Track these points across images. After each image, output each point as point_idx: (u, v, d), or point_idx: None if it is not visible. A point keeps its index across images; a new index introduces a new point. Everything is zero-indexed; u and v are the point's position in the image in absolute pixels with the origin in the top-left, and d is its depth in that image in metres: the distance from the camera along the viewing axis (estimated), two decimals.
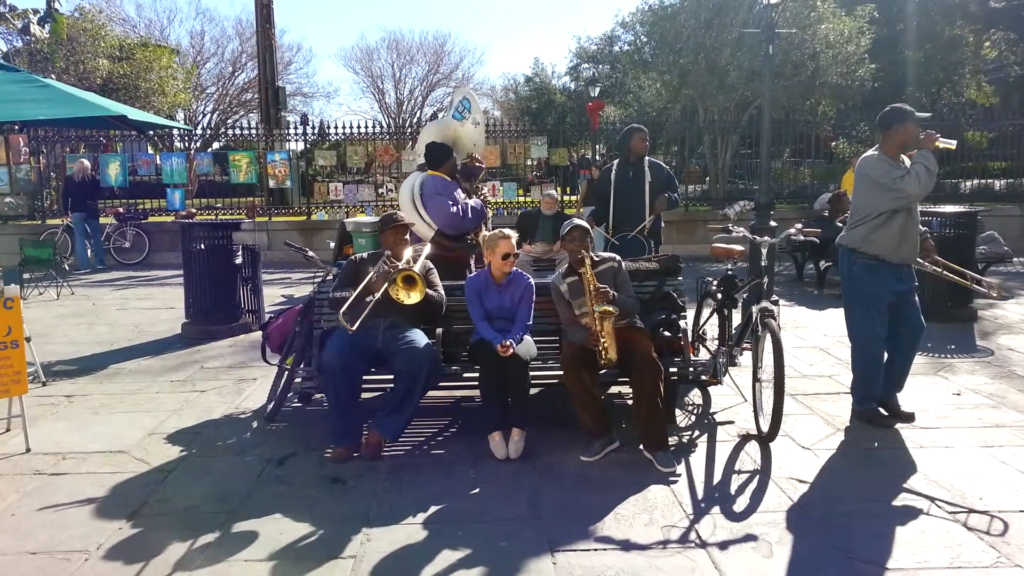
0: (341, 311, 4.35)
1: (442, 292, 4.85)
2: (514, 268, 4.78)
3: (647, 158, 6.60)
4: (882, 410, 4.88)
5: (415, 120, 38.36)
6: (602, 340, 4.27)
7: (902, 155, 4.68)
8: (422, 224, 5.79)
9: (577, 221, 4.70)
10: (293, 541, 3.41)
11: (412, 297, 4.45)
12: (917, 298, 4.88)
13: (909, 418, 4.83)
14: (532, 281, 4.83)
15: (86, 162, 13.53)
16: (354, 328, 4.29)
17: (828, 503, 3.74)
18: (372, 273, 4.62)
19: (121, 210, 14.49)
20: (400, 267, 4.54)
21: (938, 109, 18.19)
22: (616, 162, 6.77)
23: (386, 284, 4.46)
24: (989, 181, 16.72)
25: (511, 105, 44.57)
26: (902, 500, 3.75)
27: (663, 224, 6.84)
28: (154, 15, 38.39)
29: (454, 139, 6.42)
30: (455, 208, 5.77)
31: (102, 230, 13.54)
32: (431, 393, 4.78)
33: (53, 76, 17.63)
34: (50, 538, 3.47)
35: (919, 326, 4.87)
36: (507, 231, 4.78)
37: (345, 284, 4.72)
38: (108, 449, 4.55)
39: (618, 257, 4.79)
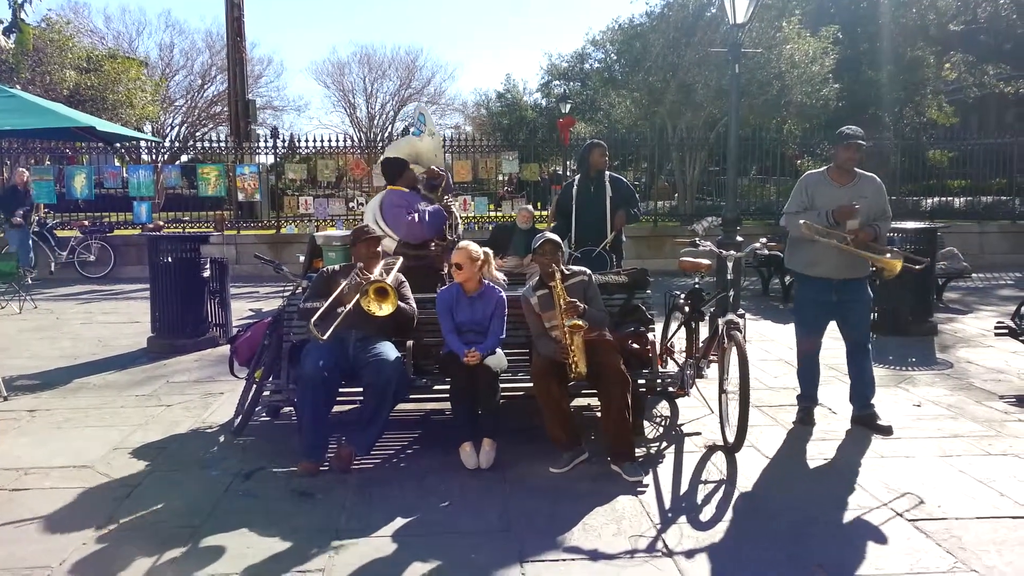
0: (312, 320, 4.34)
1: (414, 305, 4.87)
2: (486, 281, 4.81)
3: (608, 173, 6.70)
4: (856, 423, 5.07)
5: (386, 134, 38.22)
6: (572, 354, 4.32)
7: (862, 174, 4.90)
8: (387, 239, 5.82)
9: (549, 235, 4.75)
10: (261, 555, 3.39)
11: (384, 309, 4.46)
12: (862, 312, 5.01)
13: (886, 431, 4.89)
14: (504, 295, 4.86)
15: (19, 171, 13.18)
16: (324, 338, 4.29)
17: (792, 512, 3.80)
18: (344, 284, 4.63)
19: (86, 223, 14.27)
20: (372, 279, 4.55)
21: (900, 128, 18.63)
22: (578, 177, 6.86)
23: (358, 295, 4.47)
24: (949, 199, 17.13)
25: (483, 120, 44.81)
26: (864, 508, 3.83)
27: (624, 239, 6.93)
28: (123, 27, 37.88)
29: (415, 155, 6.52)
30: (410, 216, 5.83)
31: (65, 243, 13.32)
32: (401, 406, 4.78)
33: (18, 87, 17.36)
34: (11, 555, 3.40)
35: (860, 339, 5.03)
36: (467, 243, 4.81)
37: (316, 296, 4.72)
38: (72, 464, 4.48)
39: (588, 271, 4.85)
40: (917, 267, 4.87)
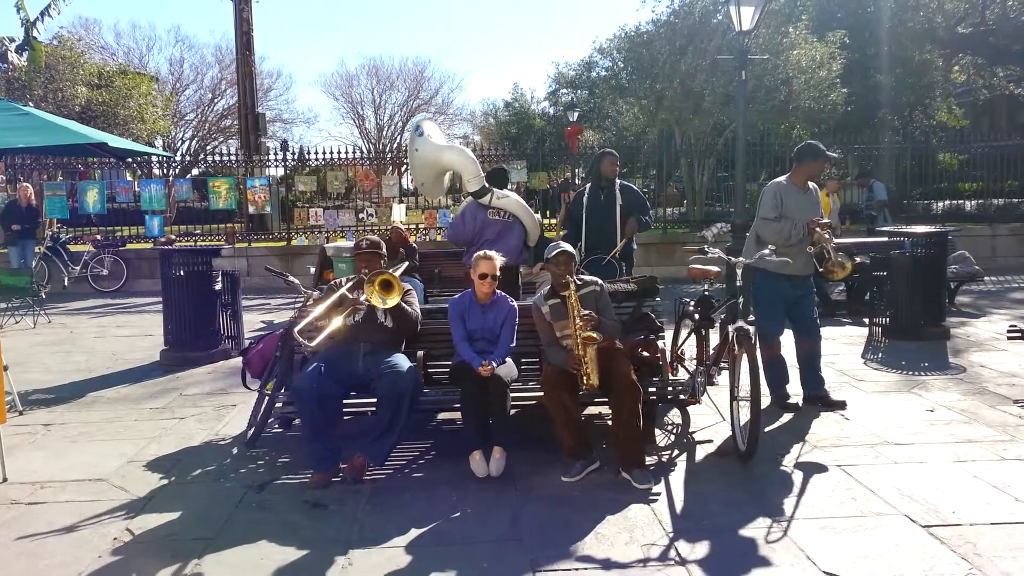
0: (296, 329, 4.54)
1: (418, 310, 4.91)
2: (497, 291, 4.84)
3: (619, 181, 6.72)
4: (797, 400, 5.63)
5: (395, 145, 38.48)
6: (584, 365, 4.32)
7: (810, 184, 5.55)
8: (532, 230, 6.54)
9: (563, 245, 4.74)
10: (274, 567, 3.41)
11: (388, 301, 4.53)
12: (815, 303, 5.74)
13: (841, 406, 5.50)
14: (516, 304, 4.88)
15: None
16: (312, 345, 4.47)
17: (805, 518, 3.79)
18: (344, 288, 4.77)
19: (99, 237, 14.37)
20: (375, 271, 4.65)
21: (909, 132, 18.57)
22: (588, 186, 6.89)
23: (360, 299, 4.58)
24: (960, 202, 17.05)
25: (491, 130, 44.95)
26: (878, 514, 3.81)
27: (635, 247, 6.94)
28: (133, 43, 38.19)
29: (447, 165, 6.62)
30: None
31: (78, 258, 13.43)
32: (412, 416, 4.79)
33: (31, 104, 17.55)
34: (27, 568, 3.44)
35: (814, 327, 5.62)
36: (491, 252, 4.86)
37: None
38: (87, 477, 4.51)
39: (600, 280, 4.85)
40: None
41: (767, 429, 4.90)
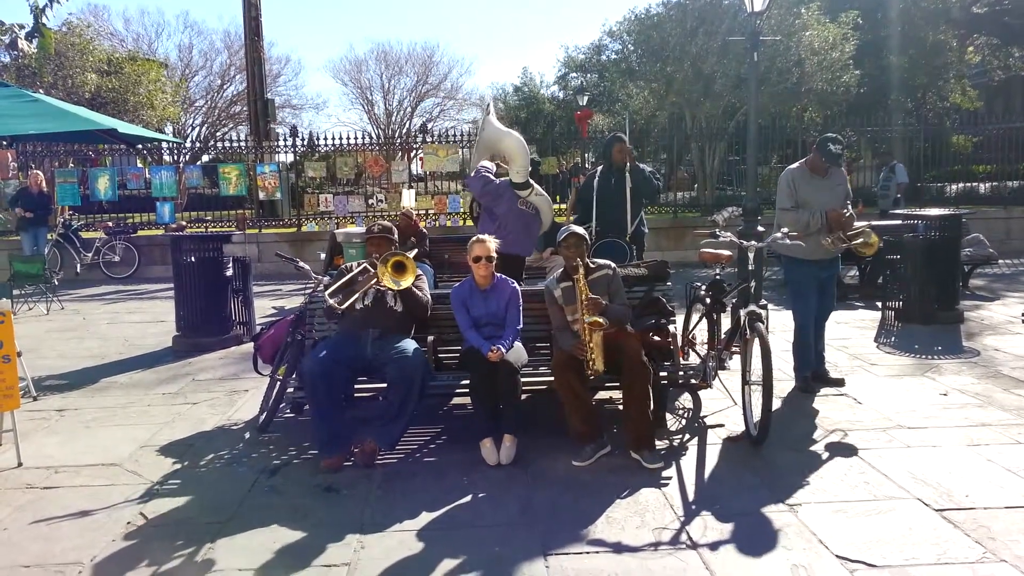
0: (328, 291, 4.53)
1: (428, 295, 4.90)
2: (497, 274, 4.82)
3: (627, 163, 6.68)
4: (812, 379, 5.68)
5: (404, 131, 38.45)
6: (590, 351, 4.31)
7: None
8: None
9: (574, 228, 4.72)
10: (286, 550, 3.43)
11: (402, 283, 4.55)
12: (834, 282, 5.85)
13: (840, 383, 5.64)
14: (517, 286, 4.87)
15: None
16: (342, 308, 4.45)
17: (818, 502, 3.78)
18: (357, 271, 4.79)
19: (110, 224, 14.43)
20: (388, 253, 4.67)
21: (923, 114, 18.39)
22: (600, 169, 6.84)
23: (374, 278, 4.59)
24: (974, 184, 16.88)
25: (500, 114, 44.68)
26: (890, 498, 3.79)
27: (646, 230, 6.89)
28: (142, 29, 38.32)
29: (503, 150, 6.63)
30: None
31: (90, 244, 13.50)
32: (423, 401, 4.80)
33: (41, 91, 17.58)
34: (43, 551, 3.47)
35: (829, 307, 5.76)
36: (484, 236, 4.85)
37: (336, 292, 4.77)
38: (100, 462, 4.55)
39: (613, 264, 4.82)
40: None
41: (779, 413, 4.88)
